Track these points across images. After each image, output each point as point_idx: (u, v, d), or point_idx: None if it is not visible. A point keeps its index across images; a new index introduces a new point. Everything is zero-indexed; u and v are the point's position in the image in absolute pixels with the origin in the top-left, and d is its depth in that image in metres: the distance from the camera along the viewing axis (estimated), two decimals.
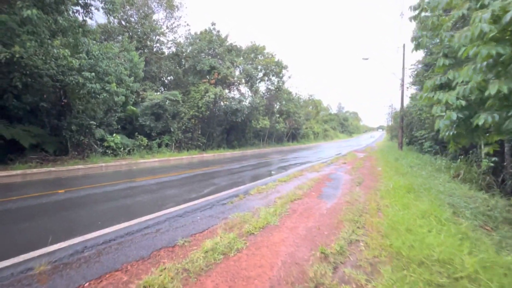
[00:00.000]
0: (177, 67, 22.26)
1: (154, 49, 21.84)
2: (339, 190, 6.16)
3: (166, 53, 23.02)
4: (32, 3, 7.00)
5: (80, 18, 10.46)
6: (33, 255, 2.66)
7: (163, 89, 21.93)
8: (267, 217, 3.95)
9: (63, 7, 8.11)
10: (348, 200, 5.13)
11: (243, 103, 21.08)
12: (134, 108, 17.09)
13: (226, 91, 20.43)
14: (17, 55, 7.02)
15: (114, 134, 14.88)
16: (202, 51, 19.33)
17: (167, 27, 23.42)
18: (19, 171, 8.70)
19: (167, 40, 23.12)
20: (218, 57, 20.39)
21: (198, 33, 21.15)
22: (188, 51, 19.76)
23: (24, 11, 6.63)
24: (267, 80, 26.99)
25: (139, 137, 16.15)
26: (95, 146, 14.08)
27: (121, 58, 11.41)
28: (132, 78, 12.22)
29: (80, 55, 8.97)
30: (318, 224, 3.81)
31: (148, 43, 20.11)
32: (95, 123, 13.96)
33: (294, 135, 42.26)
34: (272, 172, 9.54)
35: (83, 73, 8.84)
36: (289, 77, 29.15)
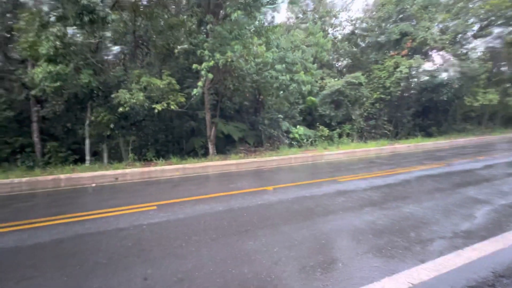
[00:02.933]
0: (353, 48, 19.78)
1: (329, 35, 20.65)
2: None
3: (340, 37, 21.22)
4: (237, 7, 7.54)
5: (269, 17, 10.92)
6: None
7: (339, 76, 20.37)
8: None
9: (259, 5, 8.33)
10: None
11: (451, 73, 15.09)
12: (314, 99, 16.76)
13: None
14: (229, 60, 7.84)
15: (298, 126, 15.19)
16: (389, 18, 15.60)
17: (341, 8, 21.44)
18: (233, 161, 10.30)
19: (340, 21, 21.20)
20: (410, 20, 15.75)
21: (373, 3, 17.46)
22: (367, 24, 16.70)
23: (232, 14, 7.22)
24: (488, 36, 18.20)
25: (320, 127, 15.58)
26: (282, 138, 15.01)
27: (306, 43, 10.94)
28: (315, 65, 11.50)
29: (272, 49, 9.08)
30: None
31: (324, 28, 19.12)
32: (282, 116, 14.86)
33: None
34: None
35: (275, 66, 8.89)
36: None
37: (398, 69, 14.52)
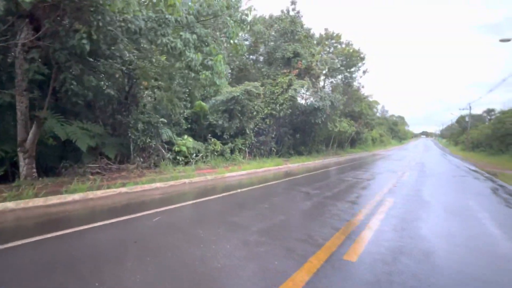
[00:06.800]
0: (245, 57, 18.58)
1: None
2: None
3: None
4: None
5: None
6: None
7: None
8: None
9: None
10: None
11: (326, 100, 16.73)
12: (204, 104, 13.65)
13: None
14: None
15: (186, 136, 11.45)
16: (285, 34, 15.39)
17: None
18: (77, 196, 5.27)
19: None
20: (298, 44, 16.32)
21: (273, 16, 17.36)
22: (270, 34, 15.87)
23: None
24: (344, 74, 22.47)
25: (212, 140, 12.59)
26: (163, 151, 10.73)
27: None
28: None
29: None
30: None
31: None
32: (165, 120, 10.64)
33: (353, 141, 37.15)
34: None
35: (182, 33, 5.17)
36: (364, 72, 24.20)
37: (292, 87, 14.27)
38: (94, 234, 3.46)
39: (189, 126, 12.79)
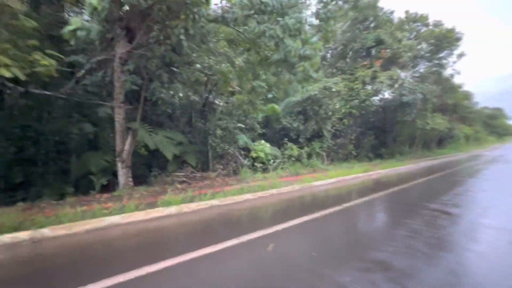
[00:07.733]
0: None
1: None
2: None
3: None
4: None
5: None
6: None
7: None
8: None
9: None
10: None
11: (417, 93, 13.94)
12: (276, 106, 12.84)
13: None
14: None
15: (263, 141, 10.79)
16: (365, 20, 13.51)
17: None
18: (173, 209, 4.90)
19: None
20: (381, 30, 14.08)
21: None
22: (340, 25, 14.23)
23: None
24: (433, 61, 18.83)
25: (289, 144, 11.62)
26: (240, 158, 10.26)
27: None
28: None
29: None
30: None
31: None
32: (242, 125, 10.19)
33: (441, 139, 31.32)
34: None
35: (279, 19, 4.31)
36: (460, 56, 19.84)
37: (378, 80, 12.26)
38: (205, 268, 2.75)
39: (262, 130, 12.15)
